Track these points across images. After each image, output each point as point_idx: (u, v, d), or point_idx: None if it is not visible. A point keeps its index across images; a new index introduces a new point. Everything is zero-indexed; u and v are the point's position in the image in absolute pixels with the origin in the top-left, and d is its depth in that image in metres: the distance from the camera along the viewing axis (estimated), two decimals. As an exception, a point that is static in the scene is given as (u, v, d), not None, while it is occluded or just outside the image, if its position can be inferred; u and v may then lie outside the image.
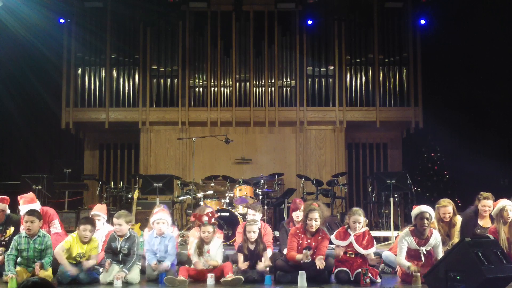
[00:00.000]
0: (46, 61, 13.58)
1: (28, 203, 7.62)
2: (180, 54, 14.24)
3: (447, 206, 7.55)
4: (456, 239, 7.38)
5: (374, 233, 8.53)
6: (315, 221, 7.05)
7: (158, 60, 14.22)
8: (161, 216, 7.55)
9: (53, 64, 13.89)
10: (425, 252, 6.82)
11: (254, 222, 7.42)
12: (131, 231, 7.22)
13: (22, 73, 13.52)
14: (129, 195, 11.70)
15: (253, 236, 7.25)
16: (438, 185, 12.88)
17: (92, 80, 14.07)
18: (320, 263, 6.73)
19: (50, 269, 6.94)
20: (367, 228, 7.19)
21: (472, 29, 13.13)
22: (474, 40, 13.15)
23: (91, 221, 7.16)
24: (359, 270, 6.71)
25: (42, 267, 6.81)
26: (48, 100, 13.90)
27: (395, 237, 8.56)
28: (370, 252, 6.98)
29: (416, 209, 6.96)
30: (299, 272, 6.74)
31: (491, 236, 6.37)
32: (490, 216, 7.41)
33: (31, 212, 7.02)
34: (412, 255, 6.85)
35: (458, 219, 7.58)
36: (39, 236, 6.97)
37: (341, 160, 14.05)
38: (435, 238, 6.89)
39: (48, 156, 14.00)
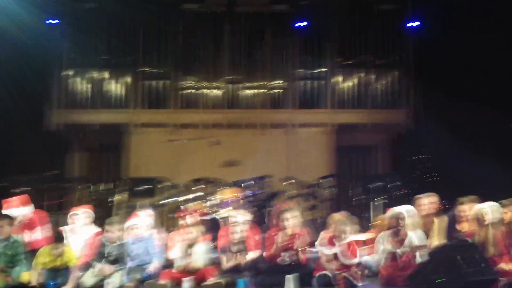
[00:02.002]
0: (37, 62, 13.52)
1: (22, 205, 7.54)
2: (171, 55, 14.20)
3: (423, 198, 7.65)
4: (434, 241, 7.34)
5: (360, 236, 8.45)
6: (287, 221, 6.99)
7: (149, 61, 14.19)
8: (133, 222, 7.52)
9: (44, 64, 13.85)
10: (401, 254, 6.77)
11: (237, 223, 7.38)
12: (120, 237, 7.17)
13: (13, 73, 13.44)
14: (115, 198, 11.65)
15: (236, 237, 7.20)
16: (426, 187, 12.82)
17: (83, 81, 14.05)
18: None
19: (28, 274, 6.84)
20: (353, 239, 7.12)
21: (465, 32, 13.09)
22: (467, 43, 13.11)
23: (59, 239, 7.04)
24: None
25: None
26: (38, 100, 13.85)
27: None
28: (355, 261, 6.92)
29: (390, 211, 6.99)
30: (286, 276, 6.69)
31: (469, 240, 6.36)
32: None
33: (3, 216, 6.93)
34: (390, 257, 6.82)
35: (438, 219, 7.55)
36: (8, 241, 6.89)
37: (331, 162, 14.00)
38: (410, 238, 6.86)
39: (35, 157, 13.93)
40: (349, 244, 6.97)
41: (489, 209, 6.92)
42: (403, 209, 7.00)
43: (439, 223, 7.56)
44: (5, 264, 6.81)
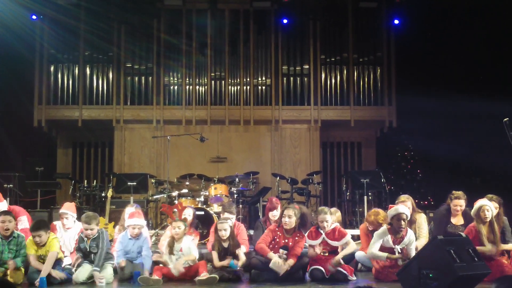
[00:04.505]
0: (19, 58, 13.37)
1: None
2: (154, 51, 14.17)
3: (405, 201, 7.67)
4: (421, 238, 7.45)
5: (348, 231, 8.52)
6: (289, 217, 7.06)
7: (132, 57, 14.13)
8: (136, 222, 7.45)
9: (26, 61, 13.72)
10: (399, 251, 6.89)
11: (225, 220, 7.43)
12: (98, 229, 7.16)
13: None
14: (103, 194, 11.61)
15: (224, 234, 7.24)
16: (411, 183, 13.04)
17: (65, 78, 13.97)
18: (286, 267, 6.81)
19: (22, 269, 6.84)
20: (337, 224, 7.24)
21: (446, 29, 13.28)
22: (447, 40, 13.29)
23: (40, 226, 6.95)
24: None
25: (15, 265, 6.71)
26: (21, 97, 13.69)
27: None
28: (346, 240, 7.02)
29: (393, 210, 7.01)
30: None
31: (463, 234, 6.47)
32: (462, 214, 7.53)
33: (7, 212, 6.90)
34: (387, 252, 6.91)
35: (420, 216, 7.68)
36: (14, 237, 6.87)
37: (315, 158, 14.12)
38: (409, 237, 6.98)
39: (20, 154, 13.78)
40: (334, 229, 7.09)
41: (490, 206, 7.07)
42: (405, 209, 7.07)
43: (422, 220, 7.68)
44: (7, 259, 6.77)
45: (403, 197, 7.81)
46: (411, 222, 7.58)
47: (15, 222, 7.02)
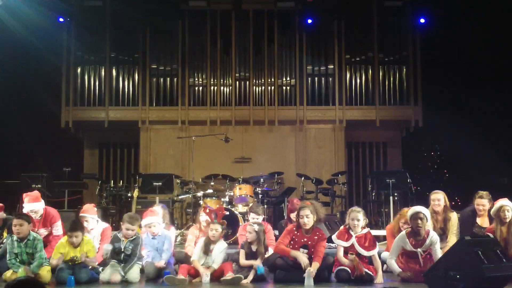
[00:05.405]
0: (46, 60, 13.59)
1: (33, 201, 7.60)
2: (179, 53, 14.26)
3: (438, 193, 7.66)
4: (452, 236, 7.38)
5: (374, 232, 8.48)
6: (307, 217, 6.98)
7: (158, 59, 14.26)
8: (150, 220, 7.50)
9: (52, 63, 13.93)
10: (422, 253, 6.81)
11: (253, 223, 7.44)
12: (136, 232, 7.22)
13: (22, 72, 13.48)
14: (129, 194, 11.71)
15: (248, 236, 7.23)
16: (437, 184, 12.89)
17: (92, 79, 14.14)
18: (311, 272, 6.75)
19: (48, 268, 6.88)
20: (369, 229, 7.15)
21: (472, 28, 13.13)
22: (473, 38, 13.15)
23: (77, 227, 7.07)
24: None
25: (28, 272, 6.70)
26: (48, 99, 13.88)
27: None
28: (372, 253, 6.96)
29: (411, 210, 6.98)
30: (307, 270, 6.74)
31: (490, 235, 6.38)
32: (488, 215, 7.42)
33: (20, 216, 6.96)
34: (410, 256, 6.86)
35: (453, 215, 7.59)
36: (29, 239, 6.88)
37: (340, 159, 14.06)
38: (431, 237, 6.89)
39: (48, 155, 13.96)
40: (365, 235, 7.02)
41: (511, 206, 6.97)
42: (423, 209, 7.01)
43: (455, 219, 7.60)
44: (28, 261, 6.84)
45: (437, 191, 7.83)
46: (446, 220, 7.53)
47: (30, 226, 7.03)
